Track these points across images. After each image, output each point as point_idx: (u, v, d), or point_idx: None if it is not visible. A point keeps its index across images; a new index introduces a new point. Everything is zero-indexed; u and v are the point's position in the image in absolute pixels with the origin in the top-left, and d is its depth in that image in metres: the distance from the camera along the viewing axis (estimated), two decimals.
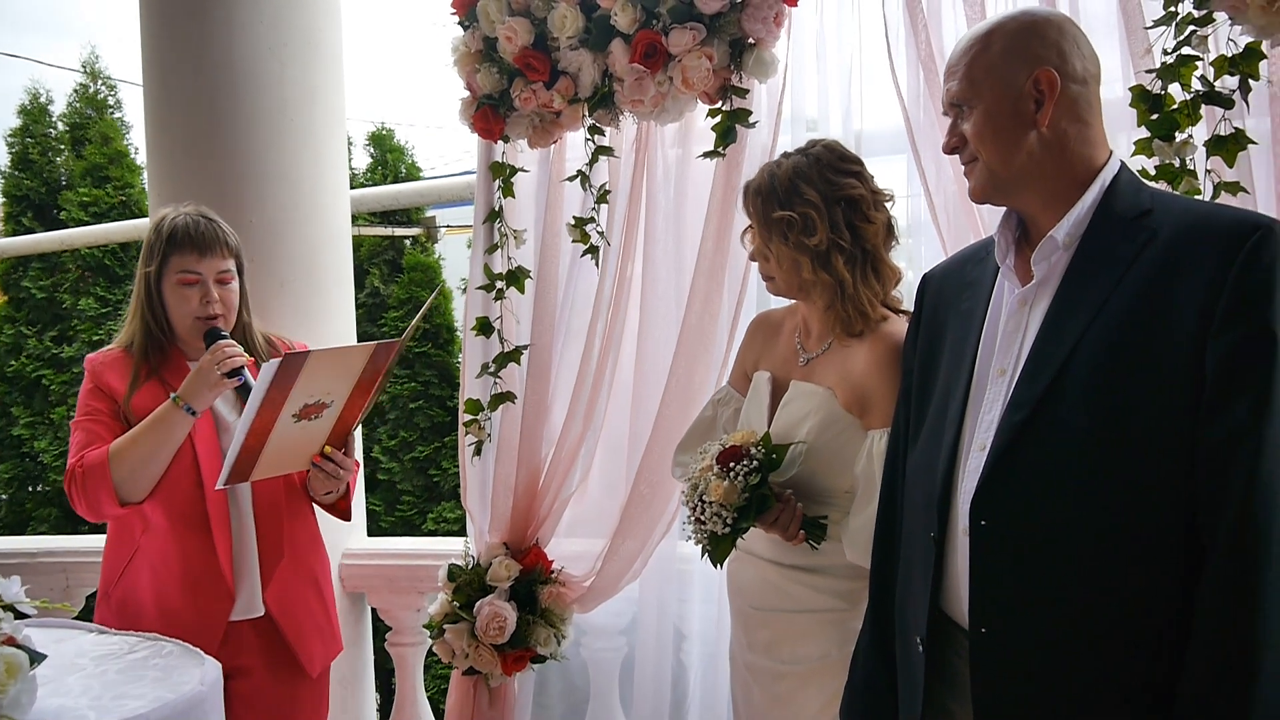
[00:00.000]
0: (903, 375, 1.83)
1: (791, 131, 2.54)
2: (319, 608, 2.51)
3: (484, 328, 2.78)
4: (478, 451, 2.84)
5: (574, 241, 2.66)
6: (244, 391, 2.26)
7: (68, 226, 8.02)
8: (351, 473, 2.42)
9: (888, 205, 2.09)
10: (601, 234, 2.64)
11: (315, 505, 2.53)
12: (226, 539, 2.32)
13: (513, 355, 2.76)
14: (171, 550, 2.30)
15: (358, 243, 8.19)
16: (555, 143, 2.74)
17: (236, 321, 2.41)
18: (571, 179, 2.67)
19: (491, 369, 2.77)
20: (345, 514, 2.55)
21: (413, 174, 8.70)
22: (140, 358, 2.35)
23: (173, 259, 2.32)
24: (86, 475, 2.23)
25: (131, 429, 2.27)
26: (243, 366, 2.26)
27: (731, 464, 1.98)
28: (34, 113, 9.09)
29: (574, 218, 2.66)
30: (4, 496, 8.70)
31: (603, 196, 2.63)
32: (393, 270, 8.31)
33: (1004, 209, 1.65)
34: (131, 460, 2.23)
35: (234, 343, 2.30)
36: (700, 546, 2.06)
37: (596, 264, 2.65)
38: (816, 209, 2.02)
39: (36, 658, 1.66)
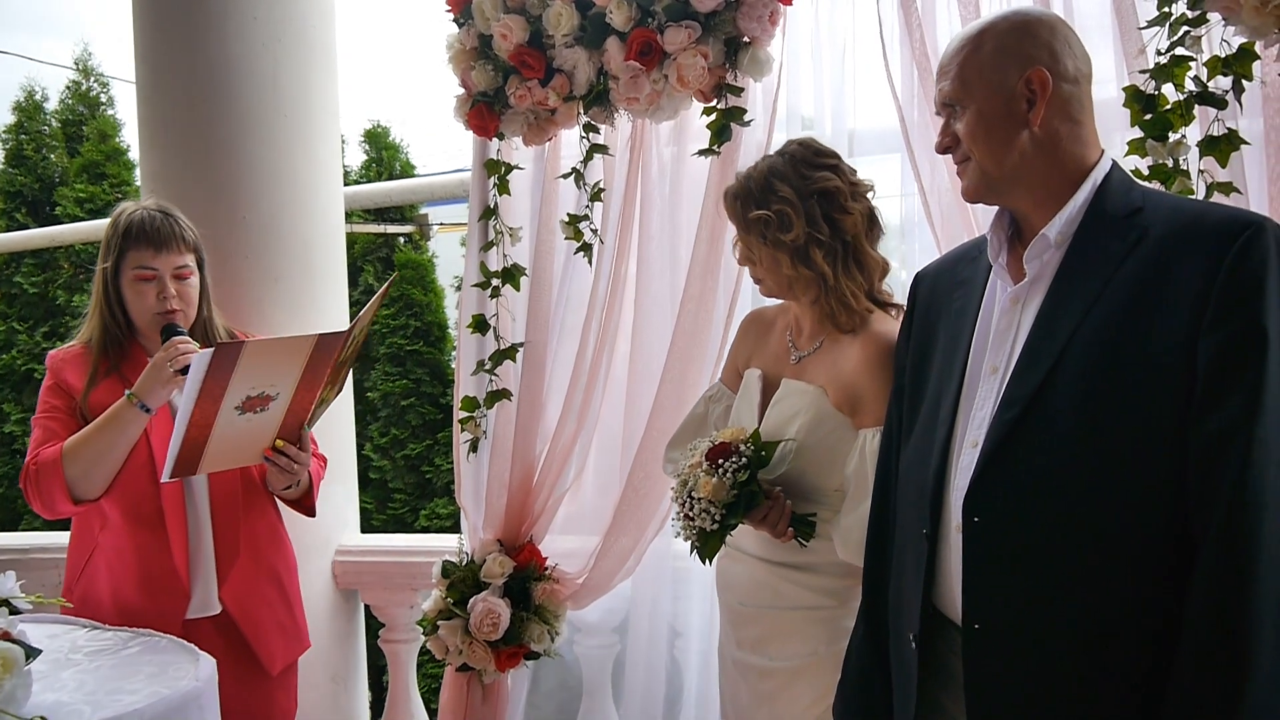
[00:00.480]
0: (895, 374, 1.83)
1: (786, 130, 2.55)
2: (281, 605, 2.49)
3: (480, 325, 2.79)
4: (473, 448, 2.84)
5: (567, 239, 2.66)
6: None
7: (64, 223, 8.00)
8: (308, 467, 2.39)
9: (868, 196, 2.09)
10: (595, 231, 2.64)
11: (280, 502, 2.52)
12: (182, 535, 2.31)
13: (508, 352, 2.77)
14: (127, 547, 2.29)
15: (351, 240, 8.17)
16: (550, 140, 2.74)
17: (197, 317, 2.40)
18: (565, 176, 2.68)
19: (487, 366, 2.77)
20: (310, 510, 2.53)
21: (408, 171, 8.68)
22: (99, 354, 2.35)
23: (129, 254, 2.32)
24: (40, 472, 2.22)
25: (86, 426, 2.25)
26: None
27: (720, 461, 1.98)
28: (29, 109, 9.07)
29: (568, 215, 2.66)
30: None
31: (596, 194, 2.64)
32: (386, 268, 8.29)
33: (996, 208, 1.66)
34: (85, 457, 2.22)
35: (188, 338, 2.28)
36: (689, 543, 2.06)
37: (590, 262, 2.66)
38: (791, 204, 2.02)
39: (32, 653, 1.66)
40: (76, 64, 9.12)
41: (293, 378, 2.20)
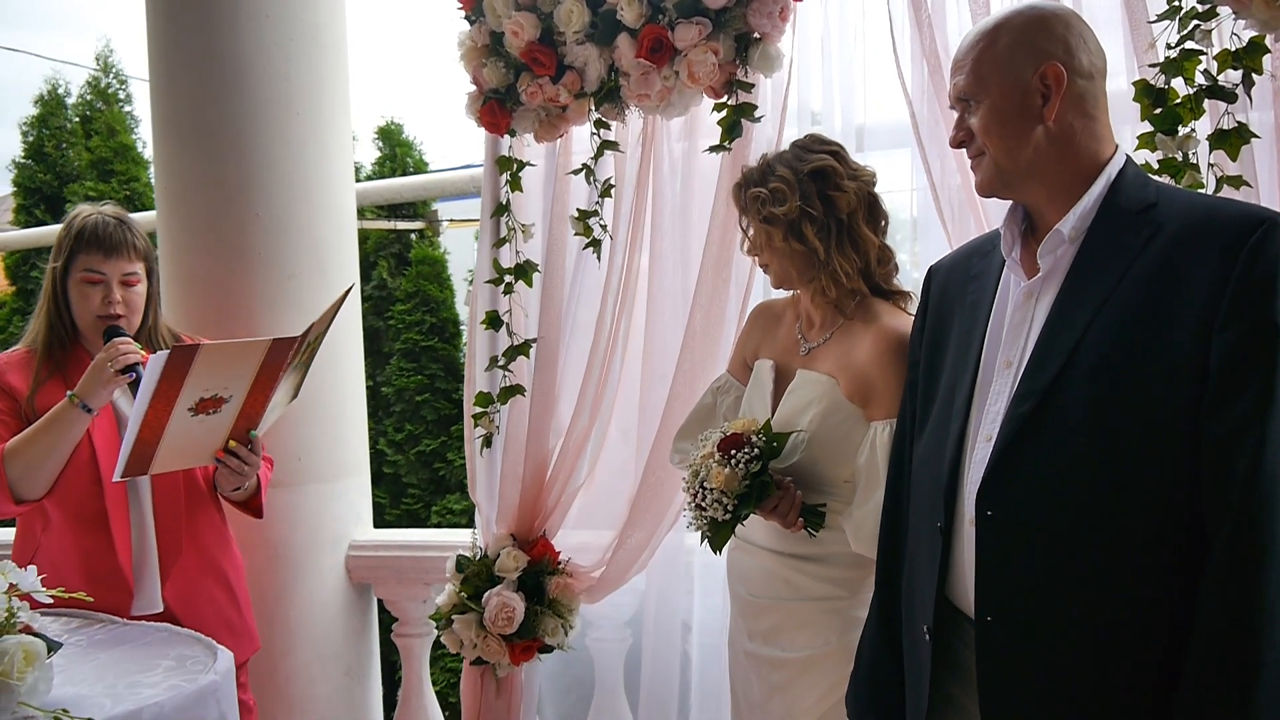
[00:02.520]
0: (909, 367, 1.84)
1: (797, 125, 2.56)
2: (228, 604, 2.49)
3: (493, 322, 2.80)
4: (487, 444, 2.86)
5: (576, 235, 2.67)
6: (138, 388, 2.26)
7: None
8: (257, 469, 2.40)
9: (868, 181, 2.12)
10: (604, 227, 2.66)
11: (226, 502, 2.53)
12: (125, 535, 2.32)
13: (522, 348, 2.77)
14: (71, 546, 2.31)
15: (364, 236, 8.19)
16: (561, 137, 2.75)
17: (142, 323, 2.42)
18: (576, 172, 2.68)
19: (501, 362, 2.78)
20: (257, 512, 2.54)
21: (421, 168, 8.69)
22: (44, 355, 2.36)
23: (80, 257, 2.34)
24: None
25: (28, 427, 2.26)
26: (137, 363, 2.24)
27: (733, 451, 2.00)
28: (50, 104, 9.08)
29: (577, 210, 2.67)
30: None
31: (606, 190, 2.65)
32: (399, 263, 8.31)
33: (1009, 202, 1.66)
34: (27, 458, 2.23)
35: (129, 340, 2.29)
36: (700, 533, 2.08)
37: (599, 257, 2.66)
38: (786, 181, 2.07)
39: (53, 646, 1.68)
40: (97, 59, 9.14)
41: (246, 381, 2.21)
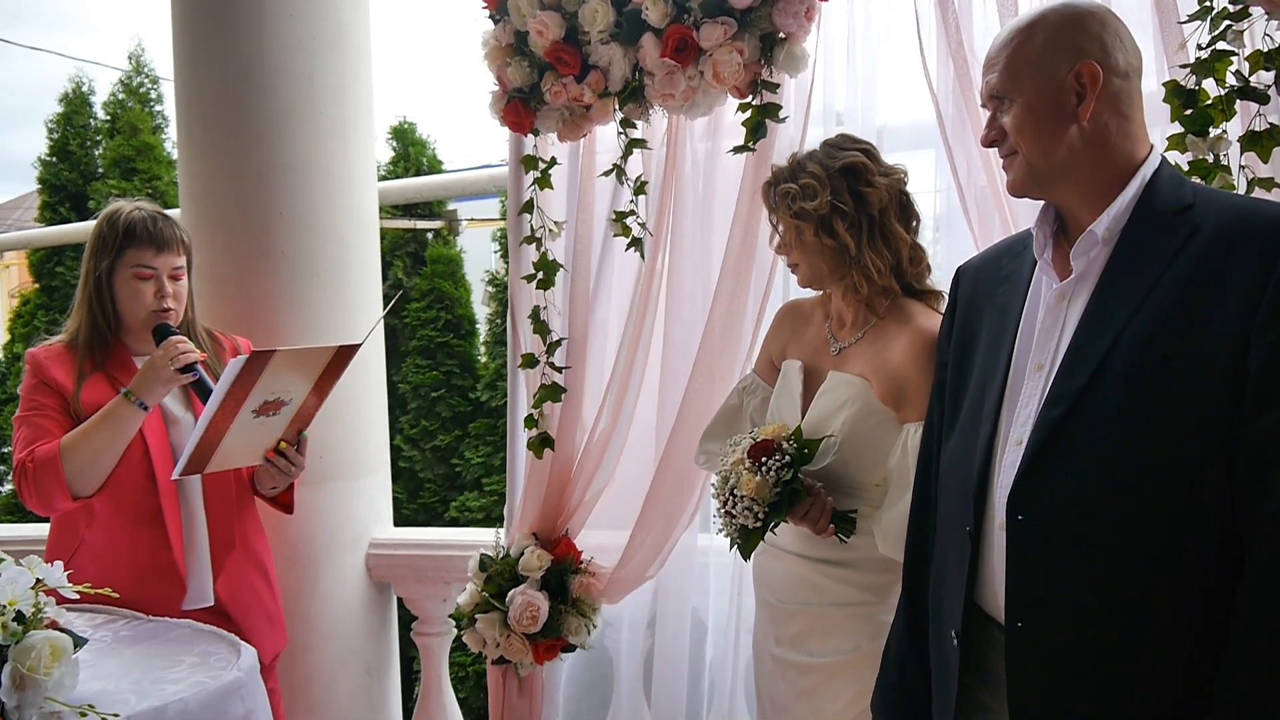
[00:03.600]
0: (937, 368, 1.83)
1: (822, 125, 2.55)
2: (269, 597, 2.54)
3: (537, 323, 2.77)
4: (548, 444, 2.80)
5: (615, 235, 2.66)
6: (198, 387, 2.30)
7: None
8: (303, 470, 2.44)
9: (898, 178, 2.11)
10: (644, 225, 2.64)
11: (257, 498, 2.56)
12: (179, 529, 2.35)
13: (551, 348, 2.77)
14: (121, 543, 2.32)
15: (380, 234, 8.20)
16: (585, 136, 2.74)
17: (183, 318, 2.43)
18: (607, 174, 2.67)
19: (547, 359, 2.76)
20: (288, 508, 2.57)
21: (434, 167, 8.72)
22: (85, 352, 2.37)
23: (128, 253, 2.35)
24: (38, 470, 2.23)
25: (81, 424, 2.28)
26: (195, 362, 2.28)
27: (764, 458, 1.98)
28: (75, 102, 9.13)
29: (615, 212, 2.66)
30: None
31: (640, 188, 2.64)
32: (415, 262, 8.34)
33: (1036, 203, 1.64)
34: (84, 454, 2.24)
35: (185, 338, 2.32)
36: (730, 539, 2.07)
37: (642, 256, 2.65)
38: (817, 178, 2.07)
39: (79, 641, 1.69)
40: (130, 58, 9.20)
41: (307, 385, 2.26)
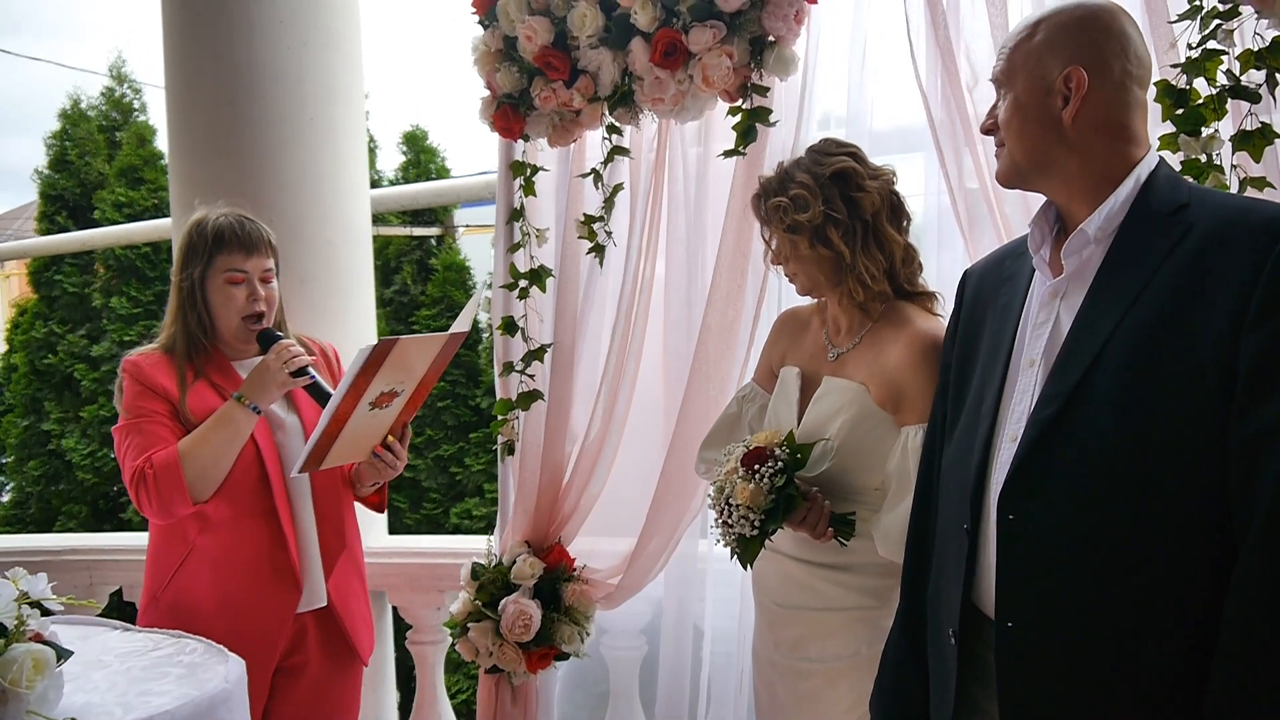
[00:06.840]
0: (941, 370, 1.83)
1: (815, 128, 2.53)
2: (365, 597, 2.57)
3: (509, 327, 2.78)
4: (509, 451, 2.84)
5: (580, 238, 2.66)
6: (313, 390, 2.31)
7: (102, 226, 8.15)
8: (405, 463, 2.46)
9: (887, 180, 2.10)
10: (609, 233, 2.64)
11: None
12: (294, 531, 2.36)
13: (537, 354, 2.76)
14: (236, 546, 2.31)
15: (386, 242, 8.25)
16: (575, 141, 2.73)
17: (277, 320, 2.44)
18: (585, 176, 2.67)
19: (519, 367, 2.77)
20: (380, 506, 2.59)
21: (443, 174, 8.76)
22: (184, 360, 2.36)
23: (219, 259, 2.34)
24: (159, 476, 2.22)
25: (194, 430, 2.28)
26: (307, 365, 2.30)
27: (756, 466, 1.98)
28: (73, 116, 9.27)
29: (584, 215, 2.65)
30: (33, 492, 8.81)
31: (613, 195, 2.63)
32: (421, 270, 8.36)
33: (1028, 204, 1.64)
34: (202, 459, 2.25)
35: (294, 342, 2.34)
36: (729, 549, 2.06)
37: (600, 263, 2.65)
38: (807, 188, 2.05)
39: (63, 654, 1.68)
40: (110, 70, 9.30)
41: (419, 375, 2.28)
